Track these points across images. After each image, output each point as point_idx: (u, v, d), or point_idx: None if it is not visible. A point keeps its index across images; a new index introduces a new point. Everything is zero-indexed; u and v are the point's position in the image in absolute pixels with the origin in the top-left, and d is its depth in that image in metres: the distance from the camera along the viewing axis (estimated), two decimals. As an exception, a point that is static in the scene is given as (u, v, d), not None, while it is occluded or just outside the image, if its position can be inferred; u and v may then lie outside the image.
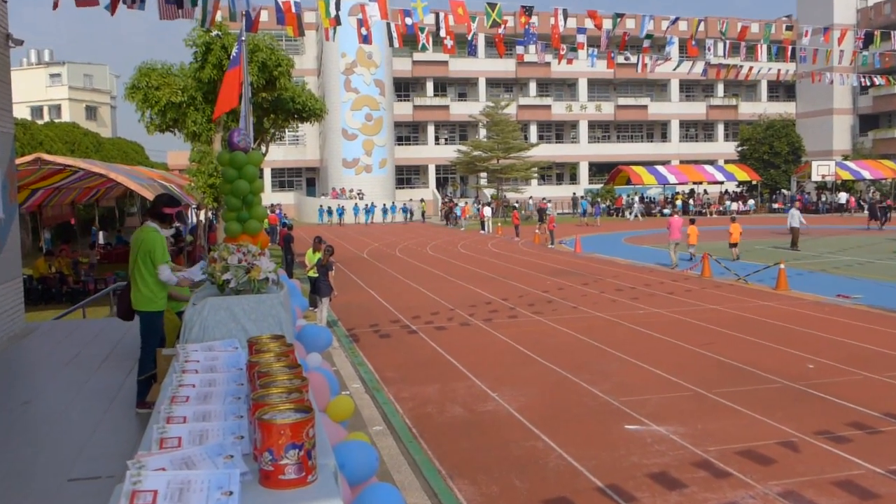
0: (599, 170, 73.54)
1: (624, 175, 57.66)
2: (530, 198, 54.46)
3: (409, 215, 54.81)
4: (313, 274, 14.12)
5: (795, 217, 26.05)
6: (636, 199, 54.50)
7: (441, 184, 69.78)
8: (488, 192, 62.39)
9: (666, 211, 53.67)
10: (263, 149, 22.64)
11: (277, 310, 4.57)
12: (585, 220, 48.02)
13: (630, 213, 51.73)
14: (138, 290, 6.82)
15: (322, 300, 13.43)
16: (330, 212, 53.19)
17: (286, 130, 25.64)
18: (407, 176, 70.67)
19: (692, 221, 24.42)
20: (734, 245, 23.50)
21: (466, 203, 58.69)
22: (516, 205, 53.43)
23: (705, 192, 60.50)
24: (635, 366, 10.21)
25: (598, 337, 12.11)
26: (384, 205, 53.61)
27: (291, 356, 3.00)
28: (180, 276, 6.75)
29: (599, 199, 56.85)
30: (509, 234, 38.25)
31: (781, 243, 29.19)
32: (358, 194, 57.31)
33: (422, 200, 56.52)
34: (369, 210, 51.40)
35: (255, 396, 2.49)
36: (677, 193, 57.92)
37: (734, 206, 56.37)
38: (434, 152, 67.10)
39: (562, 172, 74.02)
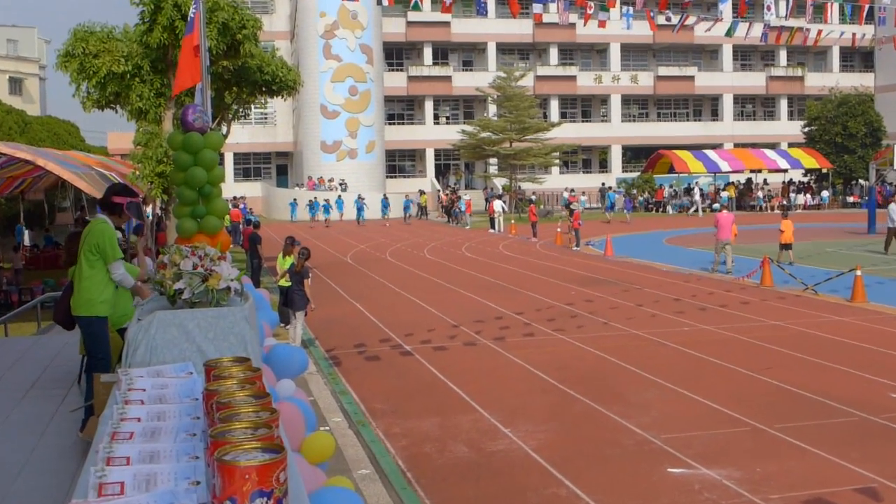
0: (635, 155, 73.69)
1: (665, 161, 57.80)
2: (570, 191, 54.17)
3: (418, 212, 54.02)
4: (285, 283, 14.14)
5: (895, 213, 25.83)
6: (697, 189, 54.53)
7: (441, 172, 69.90)
8: (499, 183, 62.47)
9: (716, 206, 53.70)
10: (224, 129, 22.68)
11: (241, 326, 4.57)
12: (609, 217, 48.11)
13: (692, 207, 51.79)
14: (79, 291, 6.85)
15: (296, 315, 13.46)
16: (312, 207, 52.75)
17: (252, 107, 25.70)
18: (400, 163, 70.82)
19: (785, 215, 24.12)
20: (787, 246, 23.40)
21: (483, 195, 58.80)
22: (533, 197, 53.59)
23: (765, 182, 60.62)
24: (679, 395, 10.23)
25: (633, 359, 12.12)
26: (385, 198, 53.16)
27: (258, 383, 3.00)
28: (139, 286, 6.79)
29: (636, 191, 56.98)
30: (525, 233, 38.32)
31: (863, 244, 29.20)
32: (340, 185, 57.42)
33: (421, 193, 56.60)
34: (360, 206, 51.07)
35: (214, 433, 2.49)
36: (731, 184, 58.03)
37: (801, 199, 56.48)
38: (433, 134, 67.26)
39: (589, 158, 74.15)
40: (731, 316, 15.76)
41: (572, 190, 52.55)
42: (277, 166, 68.48)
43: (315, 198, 53.20)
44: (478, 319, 15.95)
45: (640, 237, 36.74)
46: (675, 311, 16.29)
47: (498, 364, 12.15)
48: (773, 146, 69.48)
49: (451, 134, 63.97)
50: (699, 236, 35.78)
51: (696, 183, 56.70)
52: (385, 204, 53.54)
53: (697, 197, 52.92)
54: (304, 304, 13.41)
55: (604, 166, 73.93)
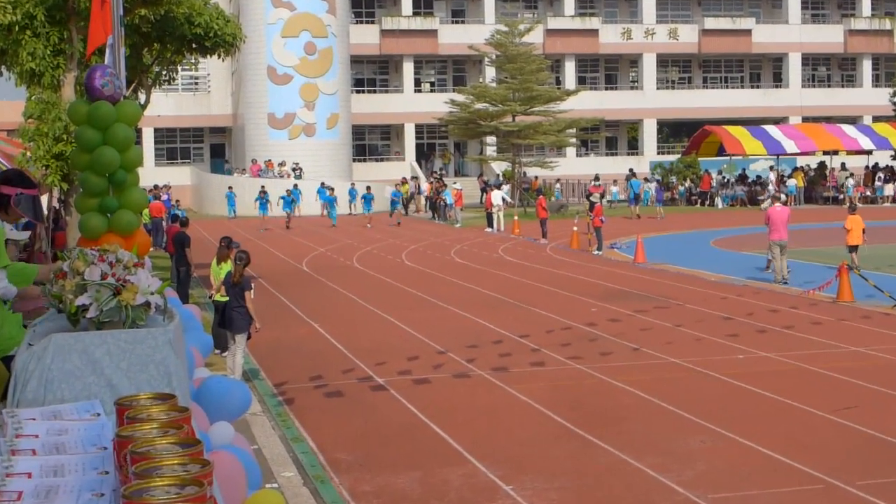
0: (675, 132, 74.09)
1: (713, 140, 58.10)
2: (594, 179, 53.72)
3: (404, 206, 53.76)
4: (221, 298, 14.11)
5: None
6: (771, 177, 54.49)
7: (424, 155, 70.01)
8: (498, 168, 62.59)
9: (765, 201, 54.07)
10: (142, 97, 22.64)
11: (164, 353, 4.56)
12: (637, 211, 48.26)
13: (764, 198, 51.61)
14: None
15: (235, 338, 13.44)
16: (263, 201, 50.56)
17: (179, 69, 25.64)
18: (370, 142, 70.93)
19: (853, 210, 24.44)
20: (853, 249, 23.74)
21: (478, 183, 58.87)
22: (539, 184, 53.70)
23: (843, 167, 60.97)
24: (732, 442, 10.25)
25: (672, 396, 12.15)
26: (368, 191, 51.62)
27: (186, 427, 3.00)
28: (29, 289, 6.73)
29: (676, 179, 57.18)
30: (532, 232, 38.41)
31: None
32: (293, 170, 57.43)
33: (405, 181, 56.62)
34: (329, 201, 50.21)
35: (128, 492, 2.48)
36: (798, 169, 58.37)
37: (889, 189, 56.78)
38: (414, 105, 67.42)
39: (615, 137, 74.50)
40: (799, 340, 15.84)
41: (596, 178, 52.47)
42: (212, 146, 68.46)
43: (263, 188, 52.66)
44: (471, 344, 15.94)
45: (680, 238, 36.87)
46: (726, 334, 16.33)
47: (497, 401, 12.16)
48: (853, 120, 69.91)
49: (436, 105, 64.06)
50: (756, 237, 36.05)
51: (774, 169, 56.62)
52: (352, 194, 53.49)
53: (772, 186, 52.97)
54: (245, 324, 13.39)
55: (634, 147, 74.23)
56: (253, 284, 14.11)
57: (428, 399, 12.35)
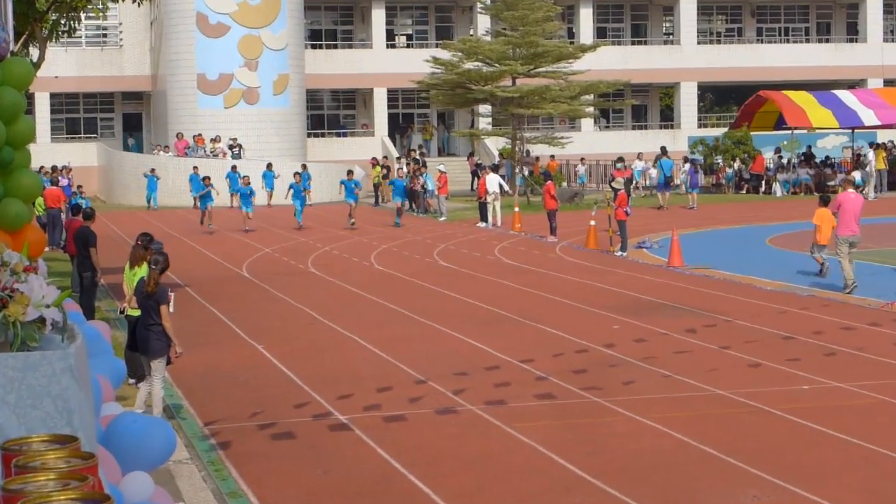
0: (721, 98, 74.09)
1: (770, 109, 58.04)
2: (618, 161, 53.24)
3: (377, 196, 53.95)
4: (135, 311, 14.04)
5: None
6: (870, 155, 54.36)
7: (400, 128, 69.83)
8: (493, 145, 62.48)
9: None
10: (35, 54, 22.53)
11: (63, 383, 4.55)
12: (665, 200, 48.36)
13: (868, 188, 51.51)
14: None
15: (153, 364, 13.36)
16: (197, 181, 49.85)
17: (82, 16, 25.53)
18: (331, 112, 70.71)
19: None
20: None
21: (468, 165, 58.67)
22: (556, 166, 53.62)
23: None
24: (794, 497, 10.25)
25: (716, 438, 12.16)
26: (350, 176, 50.98)
27: (91, 479, 2.98)
28: None
29: (721, 159, 57.17)
30: (537, 227, 38.39)
31: None
32: (230, 148, 57.26)
33: (376, 163, 56.37)
34: (296, 191, 50.04)
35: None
36: (879, 146, 58.45)
37: None
38: (386, 64, 67.17)
39: (644, 105, 74.46)
40: (880, 366, 15.84)
41: (620, 160, 52.00)
42: (125, 117, 68.12)
43: (195, 170, 52.31)
44: (459, 371, 15.89)
45: (726, 235, 36.84)
46: (786, 359, 16.30)
47: (492, 445, 12.13)
48: (949, 84, 70.07)
49: (415, 64, 63.78)
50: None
51: (873, 147, 56.38)
52: (305, 178, 53.32)
53: (872, 167, 52.75)
54: (162, 346, 13.26)
55: (668, 118, 74.23)
56: (172, 295, 14.05)
57: (404, 442, 12.32)
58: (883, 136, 61.74)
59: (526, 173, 54.24)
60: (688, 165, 51.54)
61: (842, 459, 11.37)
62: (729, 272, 26.76)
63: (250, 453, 12.10)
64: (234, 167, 52.17)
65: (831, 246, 24.14)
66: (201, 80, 58.96)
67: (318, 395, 14.64)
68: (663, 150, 53.29)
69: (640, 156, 58.41)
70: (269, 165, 52.93)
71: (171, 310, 13.63)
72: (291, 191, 42.21)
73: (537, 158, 58.00)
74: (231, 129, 58.22)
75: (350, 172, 42.90)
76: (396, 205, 43.06)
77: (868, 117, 56.28)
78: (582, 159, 59.28)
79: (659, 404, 13.77)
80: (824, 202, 25.92)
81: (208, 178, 42.95)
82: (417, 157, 56.73)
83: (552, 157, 57.59)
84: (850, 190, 24.38)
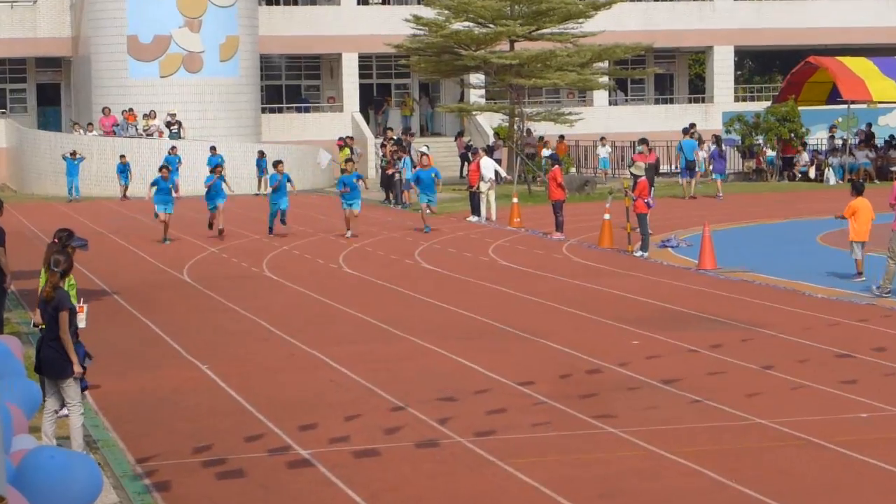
0: (763, 66, 74.03)
1: (822, 79, 58.00)
2: (640, 143, 52.81)
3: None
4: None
5: None
6: None
7: (374, 101, 69.71)
8: (487, 123, 62.41)
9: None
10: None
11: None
12: (691, 188, 48.60)
13: None
14: None
15: (63, 388, 13.24)
16: (124, 169, 50.35)
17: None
18: (291, 82, 70.52)
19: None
20: None
21: (457, 147, 58.66)
22: (566, 148, 53.59)
23: None
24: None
25: (757, 477, 12.14)
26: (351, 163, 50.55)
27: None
28: None
29: (763, 139, 57.06)
30: (540, 222, 38.39)
31: None
32: (168, 126, 57.12)
33: (343, 144, 56.26)
34: (212, 163, 50.26)
35: None
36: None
37: None
38: (356, 23, 67.09)
39: (669, 74, 74.44)
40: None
41: (643, 141, 51.50)
42: (40, 88, 67.94)
43: (213, 151, 51.88)
44: (444, 395, 15.91)
45: (768, 231, 36.92)
46: (841, 381, 16.31)
47: (485, 486, 12.12)
48: None
49: (392, 25, 63.85)
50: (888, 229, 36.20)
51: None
52: (261, 165, 53.20)
53: None
54: (66, 365, 13.10)
55: (698, 90, 74.24)
56: (85, 307, 13.99)
57: (378, 482, 12.30)
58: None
59: (541, 156, 54.30)
60: (713, 147, 51.17)
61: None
62: (771, 276, 26.80)
63: (193, 496, 12.08)
64: (173, 149, 52.09)
65: (872, 242, 24.32)
66: (132, 44, 58.82)
67: (275, 426, 14.62)
68: (685, 130, 53.22)
69: (602, 140, 58.46)
70: (213, 149, 52.72)
71: (83, 324, 13.55)
72: (270, 186, 38.64)
73: (542, 138, 57.99)
74: (169, 103, 58.15)
75: (278, 164, 39.50)
76: (423, 207, 38.19)
77: (941, 92, 56.30)
78: (602, 139, 59.02)
79: (687, 436, 13.81)
80: (857, 191, 26.05)
81: (220, 167, 40.37)
82: (398, 137, 56.21)
83: (561, 137, 57.53)
84: None
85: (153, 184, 35.86)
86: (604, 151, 58.89)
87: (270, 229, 37.56)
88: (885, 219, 25.42)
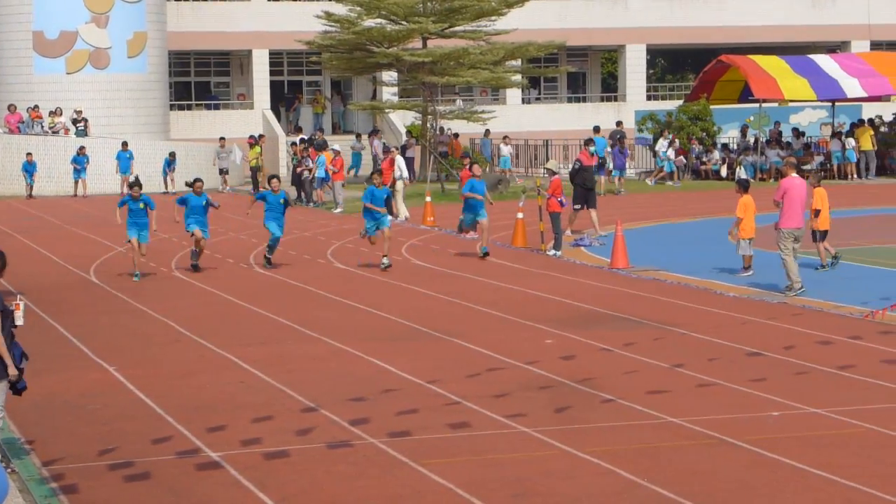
0: (676, 65, 74.37)
1: (734, 77, 58.41)
2: (589, 145, 53.04)
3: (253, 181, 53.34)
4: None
5: None
6: (824, 134, 54.84)
7: (285, 98, 69.44)
8: (400, 121, 62.34)
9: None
10: None
11: None
12: (603, 186, 49.23)
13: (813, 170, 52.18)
14: None
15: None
16: (29, 168, 50.66)
17: None
18: (200, 79, 70.10)
19: (816, 182, 26.73)
20: (822, 235, 25.94)
21: (370, 146, 58.59)
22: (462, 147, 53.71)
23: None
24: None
25: (670, 475, 12.18)
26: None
27: None
28: None
29: (674, 136, 57.38)
30: (453, 220, 38.43)
31: None
32: (74, 123, 56.62)
33: (254, 142, 55.96)
34: (124, 158, 50.03)
35: None
36: (864, 123, 59.00)
37: None
38: (267, 19, 66.87)
39: (582, 72, 74.73)
40: (865, 387, 16.03)
41: (589, 141, 51.16)
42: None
43: (29, 156, 51.85)
44: (356, 396, 15.91)
45: (680, 229, 37.16)
46: (751, 379, 16.47)
47: (398, 488, 12.11)
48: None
49: (303, 21, 63.58)
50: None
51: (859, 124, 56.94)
52: (167, 164, 52.91)
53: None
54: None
55: (611, 87, 74.56)
56: (22, 303, 13.86)
57: (290, 485, 12.26)
58: (869, 111, 62.31)
59: (440, 154, 54.30)
60: (609, 142, 52.09)
61: (820, 501, 11.47)
62: (684, 275, 27.01)
63: (100, 499, 11.97)
64: (81, 149, 51.79)
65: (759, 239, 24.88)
66: (38, 40, 58.27)
67: (184, 428, 14.54)
68: (596, 129, 53.68)
69: (505, 139, 58.54)
70: (125, 144, 52.38)
71: (20, 321, 13.42)
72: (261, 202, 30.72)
73: (456, 136, 58.08)
74: (75, 100, 57.64)
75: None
76: (466, 232, 34.68)
77: (851, 87, 56.72)
78: (505, 137, 59.02)
79: (599, 435, 13.86)
80: (744, 188, 26.67)
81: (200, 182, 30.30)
82: (314, 137, 55.75)
83: (455, 135, 57.75)
84: (794, 174, 24.66)
85: (122, 203, 28.73)
86: (506, 150, 58.90)
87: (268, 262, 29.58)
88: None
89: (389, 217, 30.03)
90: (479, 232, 31.54)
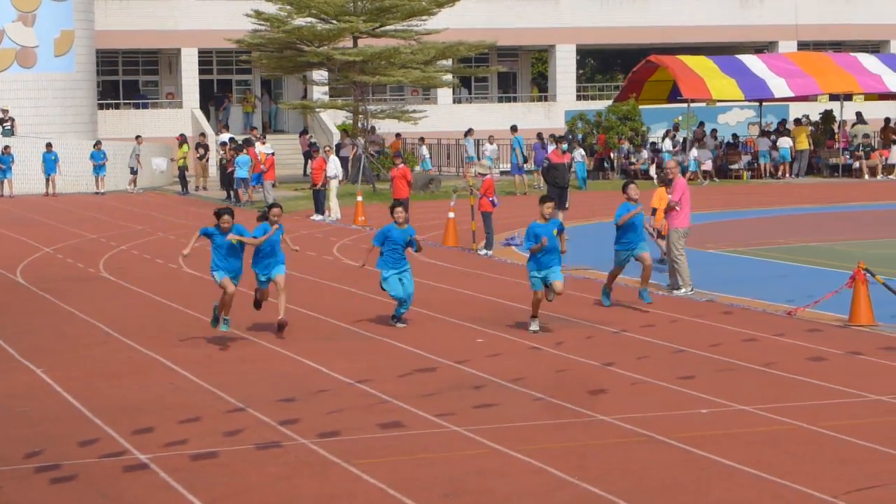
0: (604, 64, 74.56)
1: (663, 77, 58.71)
2: (559, 143, 53.33)
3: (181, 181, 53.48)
4: None
5: None
6: (751, 133, 55.16)
7: (215, 97, 69.18)
8: (331, 120, 62.22)
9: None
10: None
11: None
12: (524, 185, 49.72)
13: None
14: None
15: None
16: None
17: None
18: (128, 78, 69.71)
19: (667, 182, 26.36)
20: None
21: (300, 144, 58.42)
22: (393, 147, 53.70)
23: (860, 118, 62.31)
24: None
25: (605, 478, 12.20)
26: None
27: None
28: None
29: (575, 133, 57.47)
30: (384, 220, 38.29)
31: None
32: (1, 121, 56.15)
33: (183, 141, 55.81)
34: (49, 159, 50.03)
35: None
36: (799, 122, 59.36)
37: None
38: (196, 17, 66.50)
39: (512, 72, 74.83)
40: (791, 385, 16.21)
41: (559, 139, 51.52)
42: None
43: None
44: (286, 396, 15.89)
45: (607, 228, 37.07)
46: (679, 376, 16.61)
47: (329, 488, 12.11)
48: (875, 47, 71.73)
49: (233, 20, 63.34)
50: (717, 227, 36.88)
51: (796, 122, 57.22)
52: (97, 158, 52.63)
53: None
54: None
55: (541, 88, 74.71)
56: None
57: (219, 486, 12.21)
58: (796, 111, 62.78)
59: (372, 154, 54.28)
60: (492, 146, 52.93)
61: (750, 498, 11.55)
62: (601, 269, 27.03)
63: (27, 503, 11.88)
64: (6, 149, 51.45)
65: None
66: (-41, 40, 57.87)
67: (112, 430, 14.45)
68: (513, 128, 54.12)
69: (490, 139, 58.55)
70: (49, 146, 52.00)
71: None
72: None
73: (398, 135, 58.13)
74: (1, 99, 57.17)
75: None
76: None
77: (778, 87, 57.13)
78: (422, 139, 59.26)
79: (531, 433, 13.89)
80: (664, 182, 26.86)
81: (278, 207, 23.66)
82: (248, 138, 55.17)
83: (398, 135, 57.74)
84: (672, 173, 24.99)
85: (207, 234, 20.66)
86: (424, 151, 58.77)
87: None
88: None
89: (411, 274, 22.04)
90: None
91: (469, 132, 58.64)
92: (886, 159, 57.31)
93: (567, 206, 34.63)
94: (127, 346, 19.86)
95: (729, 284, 25.20)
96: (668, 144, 56.02)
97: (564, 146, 39.12)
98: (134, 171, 55.38)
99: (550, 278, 20.22)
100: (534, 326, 20.19)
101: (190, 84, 67.21)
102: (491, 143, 55.89)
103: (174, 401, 15.99)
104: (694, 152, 55.37)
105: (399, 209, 22.50)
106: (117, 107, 66.69)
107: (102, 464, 13.11)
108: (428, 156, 58.65)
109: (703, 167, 55.41)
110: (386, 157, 54.54)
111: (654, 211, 26.17)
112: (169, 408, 15.55)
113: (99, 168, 53.42)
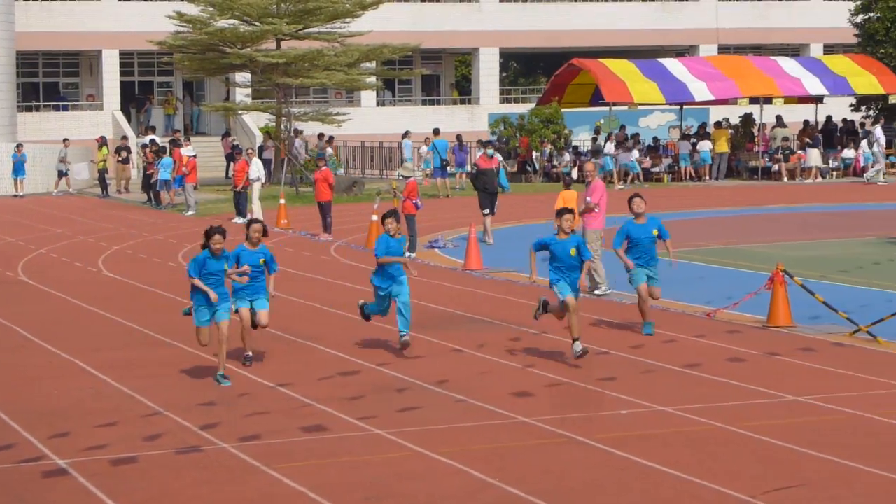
0: (528, 68, 74.66)
1: (585, 81, 58.95)
2: (485, 149, 53.43)
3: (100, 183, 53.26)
4: None
5: None
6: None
7: (136, 99, 68.81)
8: (254, 122, 62.04)
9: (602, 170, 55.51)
10: None
11: None
12: (442, 187, 50.44)
13: (871, 165, 52.35)
14: None
15: None
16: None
17: None
18: (48, 79, 69.20)
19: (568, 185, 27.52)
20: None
21: (223, 147, 58.23)
22: (325, 152, 53.63)
23: (779, 121, 62.84)
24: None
25: (526, 479, 12.21)
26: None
27: None
28: None
29: (518, 139, 57.65)
30: (308, 223, 38.34)
31: None
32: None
33: (103, 143, 55.48)
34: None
35: None
36: (720, 125, 59.63)
37: (849, 153, 58.95)
38: (117, 18, 66.18)
39: (436, 75, 74.92)
40: (711, 385, 16.36)
41: (487, 143, 51.32)
42: None
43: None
44: (206, 400, 15.86)
45: (531, 230, 37.17)
46: (600, 378, 16.69)
47: (250, 493, 12.07)
48: (795, 51, 72.33)
49: (154, 21, 63.09)
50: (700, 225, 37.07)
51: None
52: (15, 158, 52.32)
53: (878, 147, 54.13)
54: None
55: (465, 90, 74.82)
56: None
57: (138, 491, 12.12)
58: (717, 114, 63.19)
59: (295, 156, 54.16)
60: (415, 146, 53.22)
61: (668, 498, 11.61)
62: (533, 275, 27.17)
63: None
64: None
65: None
66: None
67: (29, 434, 14.32)
68: (436, 131, 54.25)
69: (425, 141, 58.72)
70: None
71: None
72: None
73: (331, 139, 58.07)
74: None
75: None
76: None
77: (699, 91, 57.55)
78: (330, 139, 58.99)
79: (452, 436, 13.94)
80: (567, 185, 27.93)
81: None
82: (174, 140, 54.77)
83: (330, 138, 57.68)
84: (591, 175, 25.27)
85: (196, 264, 17.24)
86: (330, 151, 58.49)
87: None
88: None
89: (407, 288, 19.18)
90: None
91: (406, 134, 58.63)
92: (804, 162, 57.78)
93: (495, 210, 34.69)
94: (46, 350, 19.71)
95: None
96: (609, 147, 56.02)
97: (490, 151, 39.01)
98: (62, 174, 54.95)
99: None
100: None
101: (111, 86, 66.82)
102: (427, 145, 55.94)
103: (93, 405, 15.87)
104: (610, 148, 55.78)
105: (390, 220, 18.92)
106: (37, 109, 66.20)
107: (20, 469, 12.99)
108: (332, 157, 58.39)
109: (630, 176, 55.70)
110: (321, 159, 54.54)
111: (557, 213, 26.31)
112: (88, 412, 15.43)
113: (18, 170, 53.07)
